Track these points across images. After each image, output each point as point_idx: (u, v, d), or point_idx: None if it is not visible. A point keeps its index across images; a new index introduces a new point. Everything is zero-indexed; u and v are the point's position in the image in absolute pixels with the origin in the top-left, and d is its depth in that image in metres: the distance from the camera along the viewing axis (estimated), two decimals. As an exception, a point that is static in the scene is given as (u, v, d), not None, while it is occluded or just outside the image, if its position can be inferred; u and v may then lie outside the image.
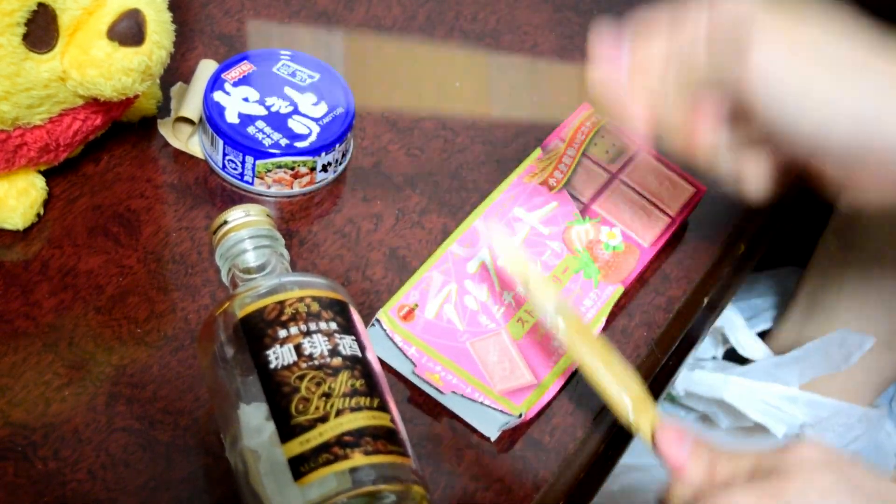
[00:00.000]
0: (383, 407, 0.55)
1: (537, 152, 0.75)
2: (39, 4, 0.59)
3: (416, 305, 0.66)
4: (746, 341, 0.98)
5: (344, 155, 0.74)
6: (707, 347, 1.00)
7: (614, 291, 0.71)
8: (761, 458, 0.53)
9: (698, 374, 0.96)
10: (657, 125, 0.60)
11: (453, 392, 0.63)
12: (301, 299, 0.56)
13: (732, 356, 1.00)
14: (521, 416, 0.63)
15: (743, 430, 1.00)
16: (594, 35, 0.61)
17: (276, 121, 0.71)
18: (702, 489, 0.54)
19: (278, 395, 0.53)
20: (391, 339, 0.64)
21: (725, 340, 0.99)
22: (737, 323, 0.98)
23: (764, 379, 0.94)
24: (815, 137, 0.54)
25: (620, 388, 0.59)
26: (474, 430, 0.64)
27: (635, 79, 0.59)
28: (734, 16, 0.56)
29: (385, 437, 0.53)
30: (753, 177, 0.60)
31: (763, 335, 1.01)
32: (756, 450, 0.54)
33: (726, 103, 0.57)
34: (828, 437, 0.96)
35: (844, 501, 0.50)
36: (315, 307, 0.56)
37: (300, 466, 0.51)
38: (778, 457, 0.52)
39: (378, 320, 0.65)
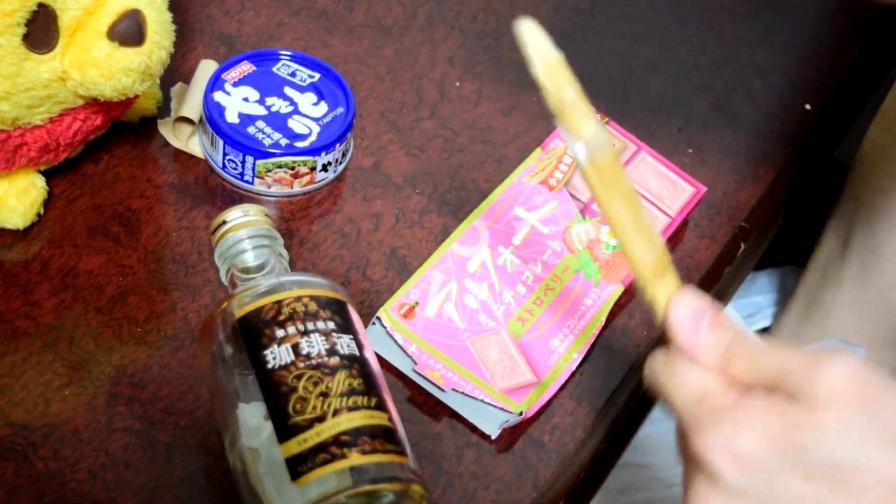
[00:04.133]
0: (381, 406, 0.55)
1: (538, 152, 0.75)
2: (39, 5, 0.59)
3: (417, 304, 0.66)
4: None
5: (344, 155, 0.74)
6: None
7: (614, 291, 0.71)
8: (788, 369, 0.46)
9: None
10: None
11: (454, 389, 0.64)
12: (299, 299, 0.56)
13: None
14: (521, 413, 0.63)
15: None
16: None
17: (276, 121, 0.71)
18: (711, 385, 0.47)
19: (276, 394, 0.53)
20: (392, 338, 0.64)
21: None
22: (735, 321, 0.98)
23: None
24: None
25: (642, 248, 0.51)
26: (474, 430, 0.64)
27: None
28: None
29: (383, 437, 0.53)
30: None
31: (762, 333, 1.01)
32: (785, 353, 0.46)
33: None
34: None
35: (865, 445, 0.44)
36: (313, 307, 0.56)
37: (298, 466, 0.51)
38: (808, 375, 0.45)
39: (379, 318, 0.65)
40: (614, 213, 0.51)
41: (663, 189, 0.76)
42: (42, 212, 0.67)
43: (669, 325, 0.49)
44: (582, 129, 0.50)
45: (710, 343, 0.48)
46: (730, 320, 0.49)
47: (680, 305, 0.49)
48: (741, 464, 0.45)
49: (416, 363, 0.64)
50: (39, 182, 0.67)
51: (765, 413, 0.45)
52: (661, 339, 0.72)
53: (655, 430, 0.99)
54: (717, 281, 0.76)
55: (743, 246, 0.79)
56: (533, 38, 0.50)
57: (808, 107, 0.89)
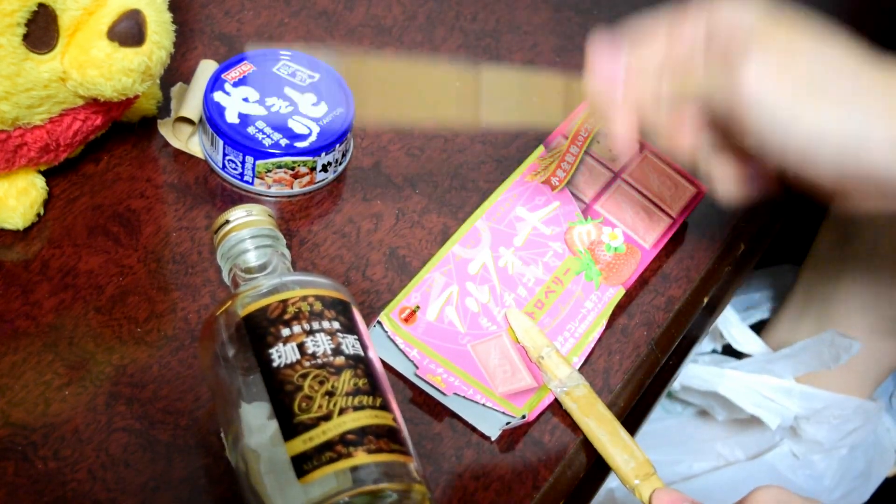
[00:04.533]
0: (385, 406, 0.55)
1: (540, 150, 0.75)
2: (39, 5, 0.59)
3: (418, 307, 0.66)
4: (740, 336, 0.98)
5: (344, 155, 0.74)
6: (704, 342, 1.00)
7: (615, 294, 0.70)
8: None
9: (693, 369, 0.96)
10: (643, 127, 0.60)
11: (455, 394, 0.63)
12: (304, 298, 0.56)
13: (728, 351, 1.01)
14: (524, 417, 0.63)
15: (739, 422, 1.00)
16: (592, 41, 0.61)
17: (276, 121, 0.71)
18: None
19: (281, 393, 0.53)
20: (393, 342, 0.64)
21: (721, 336, 1.00)
22: (731, 318, 0.98)
23: (758, 373, 0.95)
24: (803, 156, 0.54)
25: (624, 456, 0.63)
26: (474, 430, 0.64)
27: (629, 84, 0.59)
28: (730, 27, 0.55)
29: (387, 436, 0.53)
30: (728, 181, 0.60)
31: (760, 327, 1.02)
32: None
33: (714, 113, 0.57)
34: (823, 430, 0.96)
35: None
36: (318, 306, 0.56)
37: (303, 465, 0.51)
38: None
39: (380, 322, 0.65)
40: (592, 431, 0.64)
41: (665, 189, 0.76)
42: (42, 212, 0.67)
43: None
44: (557, 373, 0.65)
45: None
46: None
47: (661, 497, 0.60)
48: None
49: (417, 367, 0.64)
50: (39, 182, 0.67)
51: None
52: (660, 340, 0.72)
53: (655, 429, 0.99)
54: (717, 281, 0.76)
55: (743, 246, 0.79)
56: (515, 317, 0.67)
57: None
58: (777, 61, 0.54)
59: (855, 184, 0.54)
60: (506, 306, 0.68)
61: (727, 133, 0.57)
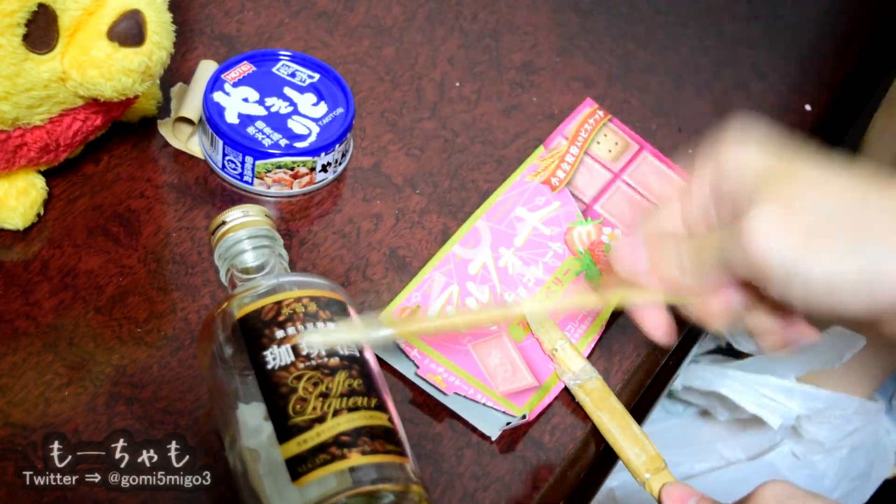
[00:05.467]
0: (381, 406, 0.55)
1: (540, 150, 0.75)
2: (39, 5, 0.59)
3: (418, 307, 0.66)
4: (741, 335, 0.98)
5: (344, 155, 0.74)
6: (705, 342, 1.00)
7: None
8: None
9: (695, 369, 0.96)
10: (672, 298, 0.59)
11: (456, 393, 0.63)
12: (298, 299, 0.56)
13: (729, 351, 1.01)
14: (524, 417, 0.63)
15: (740, 422, 1.00)
16: (617, 244, 0.60)
17: (276, 121, 0.71)
18: None
19: (276, 395, 0.53)
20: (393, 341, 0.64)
21: (722, 335, 1.00)
22: None
23: (759, 372, 0.95)
24: (828, 299, 0.53)
25: (636, 450, 0.64)
26: (474, 430, 0.64)
27: (651, 260, 0.58)
28: (733, 179, 0.55)
29: (383, 437, 0.53)
30: (770, 335, 0.59)
31: None
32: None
33: (735, 272, 0.56)
34: (824, 430, 0.96)
35: None
36: (312, 307, 0.56)
37: (298, 467, 0.51)
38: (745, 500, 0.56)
39: (380, 322, 0.65)
40: (604, 425, 0.65)
41: (665, 189, 0.76)
42: (42, 212, 0.67)
43: None
44: (571, 366, 0.66)
45: None
46: (713, 502, 0.58)
47: (670, 492, 0.60)
48: None
49: (418, 367, 0.64)
50: (39, 182, 0.67)
51: None
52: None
53: (655, 430, 0.99)
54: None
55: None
56: (528, 306, 0.67)
57: (808, 107, 0.89)
58: (783, 212, 0.53)
59: (885, 313, 0.54)
60: (521, 298, 0.68)
61: (754, 288, 0.56)
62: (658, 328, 0.59)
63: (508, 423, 0.63)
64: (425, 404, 0.65)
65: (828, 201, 0.53)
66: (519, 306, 0.67)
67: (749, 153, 0.55)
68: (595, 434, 0.66)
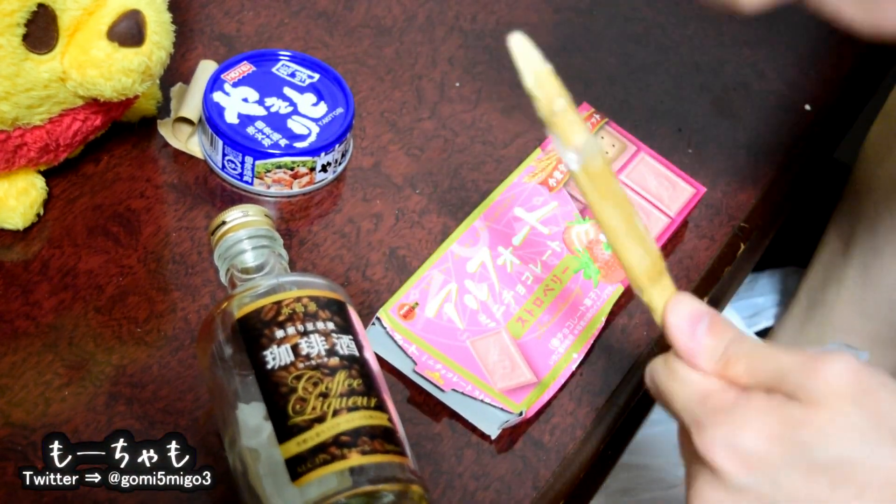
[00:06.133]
0: (381, 406, 0.55)
1: (537, 152, 0.75)
2: (39, 5, 0.59)
3: (417, 304, 0.66)
4: None
5: (344, 155, 0.74)
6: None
7: (614, 291, 0.71)
8: (787, 369, 0.46)
9: None
10: None
11: (453, 390, 0.63)
12: (298, 299, 0.56)
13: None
14: (521, 414, 0.63)
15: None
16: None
17: (276, 121, 0.71)
18: (711, 387, 0.48)
19: (276, 395, 0.53)
20: (391, 338, 0.64)
21: None
22: (733, 320, 0.98)
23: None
24: None
25: (637, 253, 0.51)
26: (474, 430, 0.64)
27: None
28: None
29: (382, 437, 0.53)
30: None
31: (765, 333, 1.01)
32: (783, 354, 0.47)
33: None
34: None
35: (866, 441, 0.45)
36: (312, 307, 0.56)
37: (297, 467, 0.51)
38: (806, 374, 0.46)
39: (378, 318, 0.65)
40: (607, 219, 0.51)
41: (663, 189, 0.76)
42: (42, 212, 0.67)
43: (667, 330, 0.50)
44: (573, 137, 0.50)
45: (708, 346, 0.49)
46: (728, 323, 0.50)
47: (677, 309, 0.50)
48: (744, 462, 0.45)
49: (415, 364, 0.64)
50: (39, 182, 0.67)
51: (765, 411, 0.46)
52: (661, 339, 0.72)
53: (656, 431, 0.99)
54: (716, 281, 0.76)
55: (743, 246, 0.79)
56: (523, 52, 0.51)
57: (807, 107, 0.89)
58: None
59: None
60: (519, 295, 0.68)
61: None
62: None
63: (507, 422, 0.63)
64: (425, 404, 0.65)
65: None
66: None
67: None
68: (594, 434, 0.66)
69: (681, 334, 0.49)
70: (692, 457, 0.48)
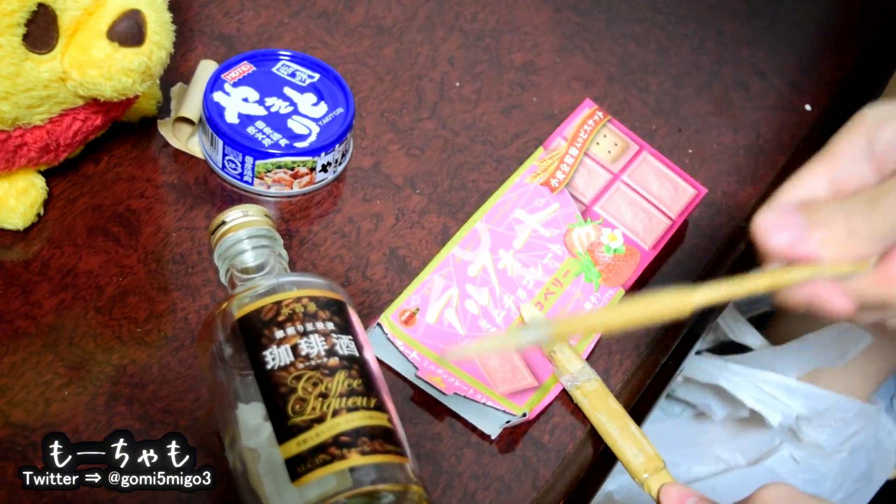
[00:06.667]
0: (381, 407, 0.55)
1: (539, 151, 0.75)
2: (39, 5, 0.59)
3: (418, 310, 0.66)
4: (738, 328, 0.98)
5: (344, 155, 0.74)
6: (706, 335, 1.00)
7: (615, 295, 0.70)
8: None
9: (695, 360, 0.96)
10: (843, 265, 0.51)
11: (456, 394, 0.63)
12: (298, 299, 0.56)
13: (731, 346, 1.00)
14: (524, 415, 0.63)
15: (738, 424, 1.00)
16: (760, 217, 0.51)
17: (276, 121, 0.71)
18: None
19: (275, 395, 0.53)
20: (393, 344, 0.64)
21: (723, 329, 0.99)
22: (733, 311, 0.98)
23: (761, 368, 0.95)
24: None
25: (634, 451, 0.64)
26: (474, 430, 0.64)
27: (811, 223, 0.50)
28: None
29: (382, 437, 0.53)
30: None
31: (764, 319, 1.01)
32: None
33: None
34: (824, 434, 0.96)
35: None
36: (312, 307, 0.56)
37: (297, 467, 0.51)
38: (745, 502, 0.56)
39: (380, 325, 0.65)
40: (603, 426, 0.65)
41: (664, 190, 0.76)
42: (42, 212, 0.67)
43: None
44: (568, 367, 0.66)
45: None
46: (709, 500, 0.59)
47: (667, 492, 0.61)
48: None
49: (417, 369, 0.64)
50: (39, 182, 0.67)
51: None
52: (661, 339, 0.72)
53: (654, 431, 0.99)
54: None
55: (743, 246, 0.79)
56: (529, 312, 0.68)
57: (808, 107, 0.89)
58: None
59: None
60: (520, 300, 0.68)
61: None
62: (837, 299, 0.50)
63: (508, 422, 0.63)
64: (425, 404, 0.65)
65: None
66: (692, 296, 0.53)
67: None
68: (594, 434, 0.66)
69: None
70: None
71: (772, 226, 0.50)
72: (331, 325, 0.56)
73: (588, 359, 0.68)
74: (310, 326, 0.55)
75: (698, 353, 0.98)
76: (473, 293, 0.68)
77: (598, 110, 0.78)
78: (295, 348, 0.54)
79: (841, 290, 0.50)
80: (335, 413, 0.53)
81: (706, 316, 0.77)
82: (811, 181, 0.51)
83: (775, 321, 0.99)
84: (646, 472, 0.63)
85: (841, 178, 0.50)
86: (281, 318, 0.55)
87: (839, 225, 0.49)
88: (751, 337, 0.97)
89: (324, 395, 0.53)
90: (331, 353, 0.55)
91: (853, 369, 0.94)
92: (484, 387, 0.64)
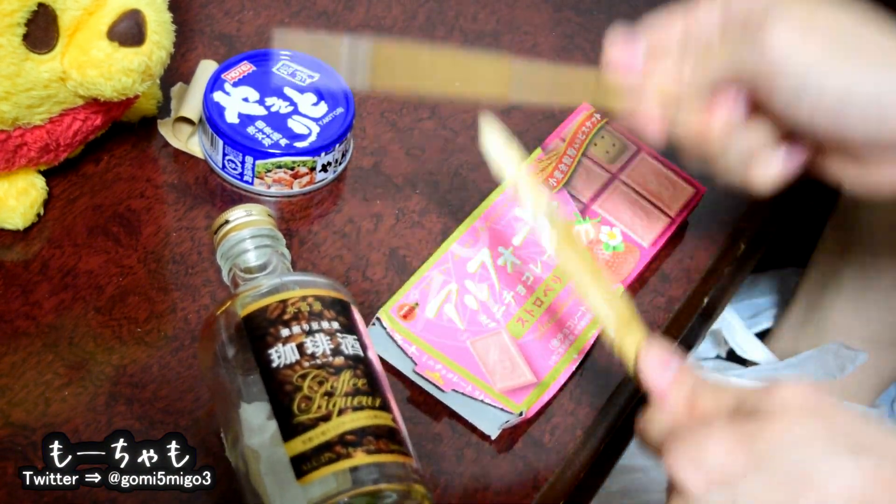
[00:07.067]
0: (385, 406, 0.55)
1: (538, 152, 0.75)
2: (39, 5, 0.59)
3: (417, 304, 0.66)
4: (745, 342, 0.98)
5: (344, 155, 0.74)
6: (708, 347, 1.00)
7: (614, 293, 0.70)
8: (744, 395, 0.50)
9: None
10: (670, 121, 0.59)
11: (454, 390, 0.63)
12: (303, 298, 0.56)
13: (732, 357, 1.00)
14: (521, 414, 0.63)
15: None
16: (609, 34, 0.61)
17: (276, 121, 0.71)
18: (679, 421, 0.52)
19: (280, 393, 0.53)
20: (391, 338, 0.64)
21: (725, 342, 0.99)
22: (735, 325, 0.98)
23: (761, 381, 0.95)
24: (835, 114, 0.53)
25: (607, 306, 0.58)
26: (474, 430, 0.64)
27: (649, 71, 0.59)
28: (746, 3, 0.56)
29: (387, 437, 0.53)
30: (765, 169, 0.59)
31: (765, 334, 1.01)
32: (741, 387, 0.51)
33: (741, 82, 0.56)
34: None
35: (821, 450, 0.47)
36: (317, 306, 0.56)
37: (302, 465, 0.51)
38: (760, 397, 0.49)
39: (378, 319, 0.65)
40: (572, 270, 0.59)
41: (663, 189, 0.76)
42: (42, 212, 0.67)
43: (640, 375, 0.55)
44: (536, 205, 0.60)
45: (676, 385, 0.53)
46: (693, 367, 0.54)
47: (647, 356, 0.55)
48: (707, 477, 0.47)
49: (416, 364, 0.64)
50: (39, 182, 0.67)
51: (725, 429, 0.48)
52: (660, 339, 0.72)
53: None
54: (716, 281, 0.76)
55: (743, 246, 0.79)
56: (490, 138, 0.61)
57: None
58: (801, 23, 0.54)
59: (884, 144, 0.53)
60: (520, 296, 0.68)
61: (756, 103, 0.56)
62: (650, 125, 0.59)
63: (507, 422, 0.63)
64: (425, 404, 0.65)
65: (846, 28, 0.53)
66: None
67: None
68: (594, 434, 0.66)
69: (652, 378, 0.54)
70: (669, 485, 0.50)
71: (617, 58, 0.59)
72: (336, 325, 0.56)
73: (587, 357, 0.68)
74: (315, 325, 0.55)
75: (697, 368, 0.98)
76: (473, 289, 0.68)
77: (596, 112, 0.78)
78: (301, 347, 0.54)
79: (661, 120, 0.59)
80: (341, 412, 0.53)
81: (702, 322, 0.77)
82: (668, 32, 0.58)
83: (775, 337, 1.00)
84: (618, 330, 0.57)
85: (694, 36, 0.57)
86: (287, 317, 0.55)
87: (670, 72, 0.57)
88: (758, 352, 0.97)
89: (329, 394, 0.53)
90: (336, 352, 0.55)
91: (852, 381, 0.94)
92: (482, 383, 0.64)
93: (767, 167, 0.58)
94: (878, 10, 0.56)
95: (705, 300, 0.75)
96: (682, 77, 0.58)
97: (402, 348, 0.64)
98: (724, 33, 0.56)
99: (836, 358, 0.91)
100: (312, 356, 0.54)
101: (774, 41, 0.53)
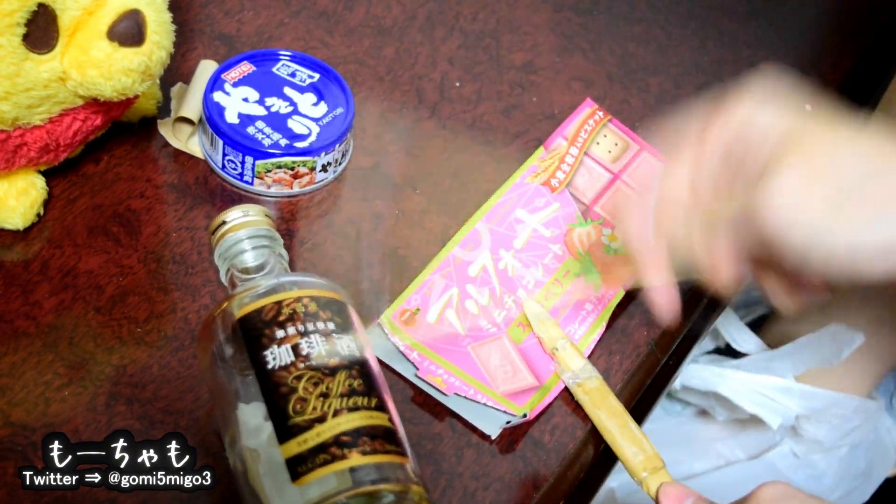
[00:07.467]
0: (381, 407, 0.55)
1: (540, 151, 0.75)
2: (39, 5, 0.59)
3: (418, 310, 0.66)
4: (740, 336, 0.98)
5: (344, 155, 0.74)
6: (706, 342, 1.00)
7: (615, 295, 0.70)
8: None
9: (693, 369, 0.96)
10: (677, 266, 0.58)
11: (456, 394, 0.63)
12: (299, 299, 0.56)
13: (728, 350, 1.00)
14: (525, 416, 0.63)
15: (739, 422, 1.00)
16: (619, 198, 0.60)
17: (276, 121, 0.71)
18: None
19: (276, 395, 0.53)
20: (393, 344, 0.64)
21: (720, 335, 0.99)
22: (729, 318, 0.98)
23: (758, 372, 0.95)
24: (848, 266, 0.51)
25: (633, 449, 0.64)
26: (474, 430, 0.64)
27: (659, 223, 0.57)
28: (752, 139, 0.53)
29: (383, 437, 0.53)
30: (781, 296, 0.59)
31: (760, 322, 1.01)
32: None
33: (750, 236, 0.54)
34: (823, 430, 0.96)
35: None
36: (313, 307, 0.56)
37: (298, 467, 0.51)
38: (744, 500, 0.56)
39: (380, 324, 0.65)
40: (603, 424, 0.65)
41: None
42: (42, 212, 0.67)
43: None
44: (570, 364, 0.66)
45: None
46: (706, 499, 0.59)
47: (666, 492, 0.60)
48: None
49: (417, 369, 0.64)
50: (39, 182, 0.67)
51: None
52: (660, 340, 0.72)
53: (653, 429, 0.99)
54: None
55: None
56: (531, 307, 0.68)
57: (807, 107, 0.89)
58: (804, 180, 0.51)
59: None
60: (521, 300, 0.68)
61: (767, 253, 0.54)
62: (666, 305, 0.59)
63: (508, 422, 0.63)
64: (425, 404, 0.65)
65: (851, 167, 0.51)
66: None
67: (766, 115, 0.53)
68: (595, 434, 0.66)
69: None
70: None
71: (630, 224, 0.59)
72: (331, 325, 0.56)
73: (589, 357, 0.68)
74: (310, 326, 0.55)
75: (694, 360, 0.98)
76: (474, 293, 0.68)
77: (599, 110, 0.78)
78: (296, 348, 0.54)
79: (669, 295, 0.60)
80: (336, 413, 0.53)
81: (706, 317, 0.76)
82: (676, 184, 0.56)
83: (770, 324, 1.00)
84: (645, 470, 0.63)
85: (699, 185, 0.56)
86: (282, 318, 0.55)
87: (680, 233, 0.56)
88: (750, 343, 0.97)
89: (325, 395, 0.53)
90: (332, 352, 0.55)
91: (850, 369, 0.94)
92: (484, 387, 0.64)
93: (782, 303, 0.59)
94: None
95: (705, 300, 0.75)
96: (691, 227, 0.56)
97: (403, 354, 0.64)
98: (727, 185, 0.54)
99: (834, 341, 0.91)
100: (307, 357, 0.54)
101: (775, 209, 0.51)
